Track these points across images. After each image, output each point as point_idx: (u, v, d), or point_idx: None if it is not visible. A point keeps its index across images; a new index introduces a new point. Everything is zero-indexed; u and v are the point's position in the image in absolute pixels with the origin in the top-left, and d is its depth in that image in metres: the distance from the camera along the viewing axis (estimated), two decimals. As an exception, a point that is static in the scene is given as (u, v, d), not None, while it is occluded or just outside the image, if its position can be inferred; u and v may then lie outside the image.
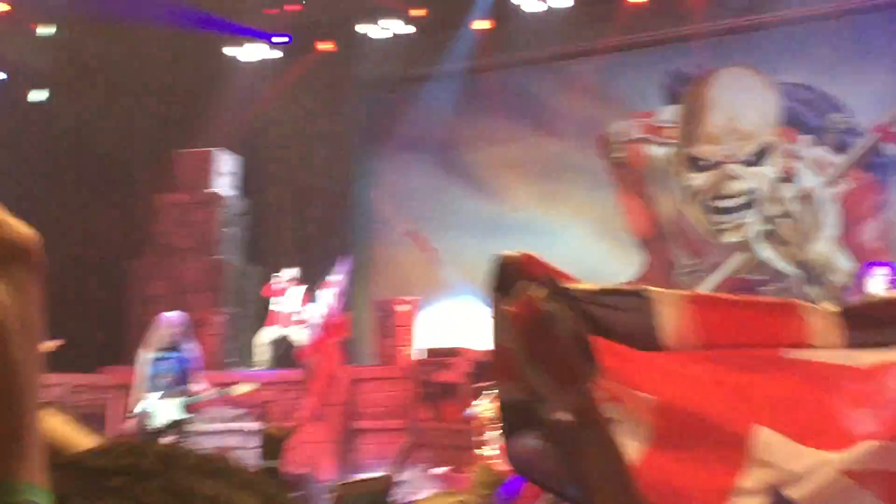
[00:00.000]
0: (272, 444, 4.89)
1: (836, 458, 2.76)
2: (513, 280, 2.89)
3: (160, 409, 12.80)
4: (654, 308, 2.96)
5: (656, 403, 2.93)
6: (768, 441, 2.83)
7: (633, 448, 2.86)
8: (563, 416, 2.77)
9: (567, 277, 2.97)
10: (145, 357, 13.05)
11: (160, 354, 13.03)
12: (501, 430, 3.11)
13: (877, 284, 10.74)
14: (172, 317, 13.52)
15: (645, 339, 2.94)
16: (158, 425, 12.80)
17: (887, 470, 2.76)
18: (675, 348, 2.93)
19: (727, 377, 2.93)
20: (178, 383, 12.90)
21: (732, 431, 2.89)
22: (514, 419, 3.00)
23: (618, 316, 2.95)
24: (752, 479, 2.83)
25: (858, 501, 2.74)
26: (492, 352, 2.96)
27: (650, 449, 2.88)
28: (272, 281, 17.71)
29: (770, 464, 2.81)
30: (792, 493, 2.77)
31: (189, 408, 12.91)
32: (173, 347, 13.12)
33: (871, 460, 2.76)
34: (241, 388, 13.65)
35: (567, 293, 2.91)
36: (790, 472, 2.79)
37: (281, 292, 17.49)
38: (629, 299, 3.00)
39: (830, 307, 2.97)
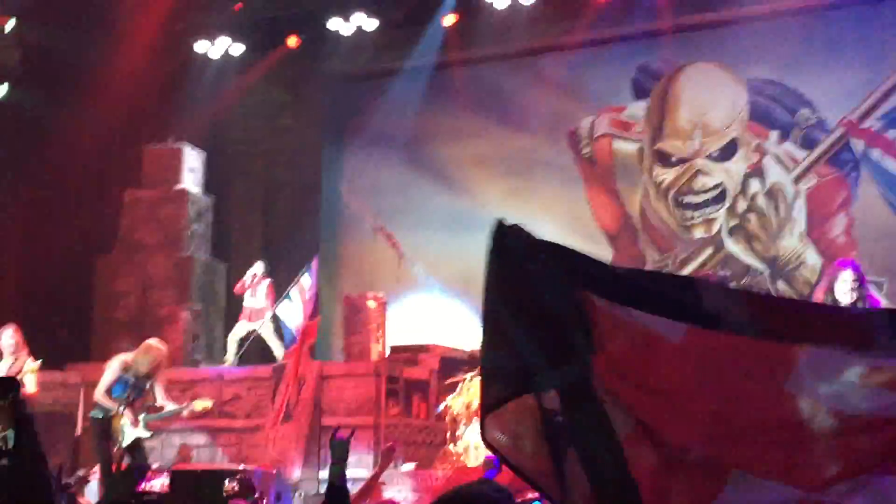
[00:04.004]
0: (340, 449, 4.85)
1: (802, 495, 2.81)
2: (512, 248, 2.80)
3: (125, 431, 12.59)
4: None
5: (648, 405, 2.88)
6: (744, 480, 2.84)
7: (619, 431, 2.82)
8: (554, 395, 2.71)
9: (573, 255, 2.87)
10: (115, 367, 12.76)
11: (132, 381, 12.76)
12: (482, 402, 3.00)
13: (841, 288, 10.73)
14: (159, 346, 13.18)
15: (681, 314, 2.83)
16: (126, 443, 12.58)
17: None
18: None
19: (722, 404, 2.87)
20: (139, 400, 12.68)
21: (714, 463, 2.87)
22: (498, 390, 2.89)
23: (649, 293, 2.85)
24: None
25: None
26: (483, 315, 2.87)
27: (626, 441, 2.84)
28: (244, 278, 17.58)
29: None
30: None
31: (150, 425, 12.74)
32: (148, 376, 12.85)
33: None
34: (200, 405, 13.46)
35: (572, 264, 2.82)
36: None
37: (252, 288, 17.39)
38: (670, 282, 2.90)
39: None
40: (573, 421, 2.74)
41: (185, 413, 13.35)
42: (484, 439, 2.98)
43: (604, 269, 2.96)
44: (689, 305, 2.84)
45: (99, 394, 12.61)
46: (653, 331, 2.84)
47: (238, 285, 17.66)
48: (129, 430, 12.60)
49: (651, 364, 2.87)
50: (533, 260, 2.82)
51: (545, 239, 2.91)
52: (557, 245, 2.92)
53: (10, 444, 2.49)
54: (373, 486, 8.26)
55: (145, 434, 12.70)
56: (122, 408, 12.50)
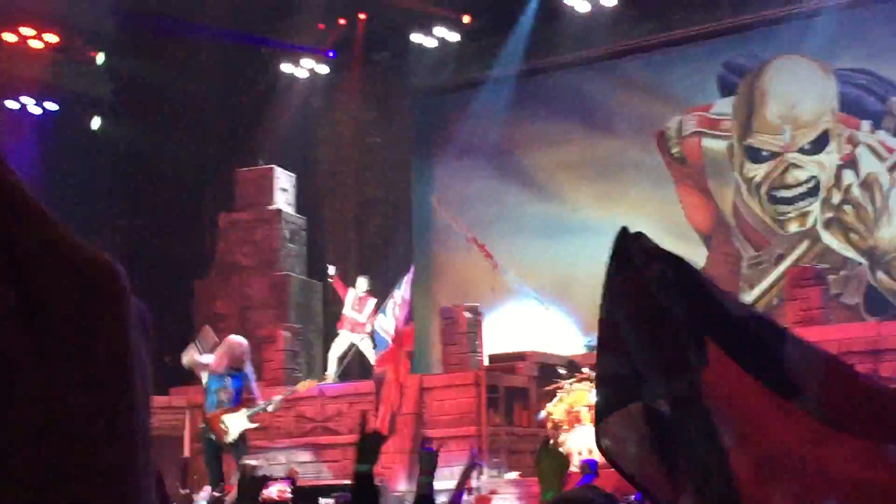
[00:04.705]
0: (370, 448, 4.93)
1: None
2: (634, 255, 2.86)
3: (229, 425, 12.76)
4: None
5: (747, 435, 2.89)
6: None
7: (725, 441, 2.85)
8: (664, 403, 2.76)
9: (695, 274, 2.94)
10: (209, 375, 12.98)
11: (224, 374, 12.95)
12: (596, 407, 3.05)
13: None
14: (240, 341, 13.38)
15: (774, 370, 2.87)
16: (230, 440, 12.73)
17: None
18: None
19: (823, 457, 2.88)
20: (237, 399, 12.88)
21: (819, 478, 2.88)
22: (611, 396, 2.94)
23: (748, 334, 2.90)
24: None
25: None
26: (600, 323, 2.92)
27: (731, 453, 2.87)
28: (352, 295, 17.58)
29: None
30: None
31: (255, 418, 12.91)
32: (237, 369, 13.04)
33: None
34: (304, 384, 13.67)
35: (692, 283, 2.87)
36: None
37: (357, 302, 17.46)
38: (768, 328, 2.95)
39: None
40: (681, 430, 2.77)
41: (290, 394, 13.51)
42: (598, 446, 3.01)
43: (722, 311, 2.98)
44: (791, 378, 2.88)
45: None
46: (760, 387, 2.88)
47: (339, 287, 17.69)
48: (233, 425, 12.74)
49: (757, 397, 2.89)
50: (652, 270, 2.87)
51: (668, 251, 2.96)
52: (680, 261, 2.96)
53: None
54: (460, 497, 8.30)
55: (250, 426, 12.87)
56: (218, 408, 12.70)
